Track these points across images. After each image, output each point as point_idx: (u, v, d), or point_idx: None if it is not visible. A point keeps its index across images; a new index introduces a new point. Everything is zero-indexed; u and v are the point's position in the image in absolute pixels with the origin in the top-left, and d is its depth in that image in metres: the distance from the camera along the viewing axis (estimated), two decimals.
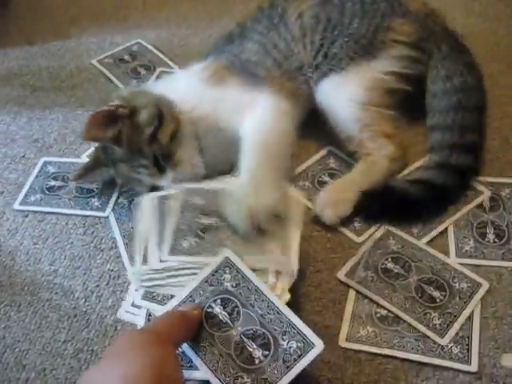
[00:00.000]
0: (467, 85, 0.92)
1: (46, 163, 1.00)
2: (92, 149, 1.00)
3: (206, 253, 0.70)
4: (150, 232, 0.73)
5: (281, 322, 0.62)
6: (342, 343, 0.72)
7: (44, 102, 1.15)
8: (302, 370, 0.59)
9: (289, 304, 0.65)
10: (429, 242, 0.82)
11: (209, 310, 0.64)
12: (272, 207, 0.73)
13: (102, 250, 0.86)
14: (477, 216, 0.85)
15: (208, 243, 0.71)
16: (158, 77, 1.17)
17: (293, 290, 0.68)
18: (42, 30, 1.37)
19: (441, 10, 1.00)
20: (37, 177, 0.98)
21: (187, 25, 1.33)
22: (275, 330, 0.62)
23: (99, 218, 0.90)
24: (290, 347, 0.60)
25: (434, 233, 0.83)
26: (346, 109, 0.90)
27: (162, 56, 1.24)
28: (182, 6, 1.41)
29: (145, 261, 0.71)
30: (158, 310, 0.67)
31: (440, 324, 0.72)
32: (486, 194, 0.87)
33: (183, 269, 0.69)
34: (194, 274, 0.68)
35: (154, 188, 0.84)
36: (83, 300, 0.80)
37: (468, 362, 0.69)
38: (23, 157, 1.03)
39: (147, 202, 0.77)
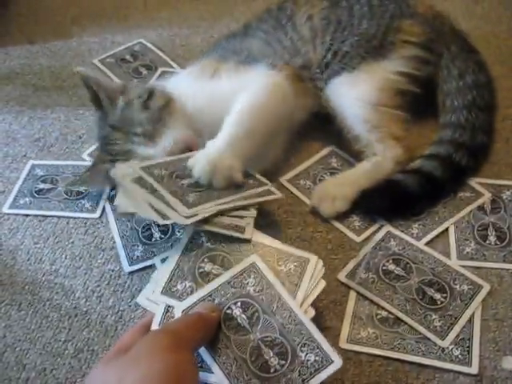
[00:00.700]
0: (480, 82, 0.93)
1: (34, 166, 1.00)
2: (93, 148, 1.01)
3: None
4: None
5: (301, 333, 0.61)
6: (343, 344, 0.72)
7: (45, 101, 1.15)
8: None
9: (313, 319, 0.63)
10: (430, 244, 0.82)
11: (228, 312, 0.63)
12: (230, 171, 0.76)
13: (102, 250, 0.86)
14: (478, 218, 0.85)
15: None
16: (159, 77, 1.17)
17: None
18: (43, 29, 1.36)
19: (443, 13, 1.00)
20: (25, 180, 0.98)
21: (188, 25, 1.33)
22: (294, 340, 0.60)
23: (94, 219, 0.90)
24: (308, 360, 0.59)
25: (435, 232, 0.83)
26: (356, 109, 0.89)
27: (163, 56, 1.24)
28: (183, 6, 1.41)
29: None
30: (177, 306, 0.65)
31: (441, 326, 0.72)
32: (486, 196, 0.87)
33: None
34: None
35: None
36: (84, 300, 0.80)
37: (469, 364, 0.69)
38: (25, 156, 1.03)
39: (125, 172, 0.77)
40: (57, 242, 0.88)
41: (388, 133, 0.90)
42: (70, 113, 1.11)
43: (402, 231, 0.84)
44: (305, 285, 0.66)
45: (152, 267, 0.82)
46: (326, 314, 0.75)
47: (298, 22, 0.96)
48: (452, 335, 0.71)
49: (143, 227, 0.87)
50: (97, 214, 0.91)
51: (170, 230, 0.86)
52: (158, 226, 0.87)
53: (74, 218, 0.91)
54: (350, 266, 0.80)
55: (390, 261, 0.80)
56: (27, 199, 0.94)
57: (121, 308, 0.78)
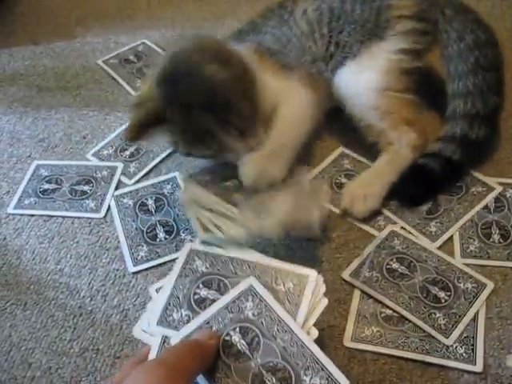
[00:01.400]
0: (480, 40, 0.91)
1: (38, 166, 1.00)
2: (97, 148, 1.01)
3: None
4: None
5: (304, 356, 0.58)
6: (347, 343, 0.72)
7: (49, 101, 1.15)
8: None
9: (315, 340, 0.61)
10: (434, 242, 0.82)
11: (227, 339, 0.60)
12: (273, 180, 0.81)
13: (107, 250, 0.86)
14: (481, 216, 0.85)
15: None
16: None
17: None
18: (46, 30, 1.37)
19: None
20: (30, 180, 0.98)
21: (192, 25, 1.33)
22: (297, 364, 0.58)
23: (99, 219, 0.91)
24: None
25: (453, 230, 0.84)
26: (365, 97, 0.89)
27: None
28: (186, 6, 1.41)
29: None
30: (174, 336, 0.62)
31: (445, 324, 0.72)
32: (497, 190, 0.88)
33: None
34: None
35: None
36: (89, 299, 0.80)
37: (473, 362, 0.69)
38: (29, 156, 1.03)
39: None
40: (62, 241, 0.88)
41: (400, 118, 0.89)
42: (74, 113, 1.12)
43: (420, 230, 0.84)
44: (305, 304, 0.63)
45: (157, 267, 0.82)
46: (330, 312, 0.75)
47: (297, 17, 0.96)
48: (456, 333, 0.71)
49: (148, 227, 0.88)
50: (101, 214, 0.91)
51: (175, 230, 0.87)
52: (163, 226, 0.87)
53: (79, 217, 0.91)
54: (354, 264, 0.80)
55: (394, 259, 0.80)
56: (32, 199, 0.95)
57: (126, 307, 0.79)
